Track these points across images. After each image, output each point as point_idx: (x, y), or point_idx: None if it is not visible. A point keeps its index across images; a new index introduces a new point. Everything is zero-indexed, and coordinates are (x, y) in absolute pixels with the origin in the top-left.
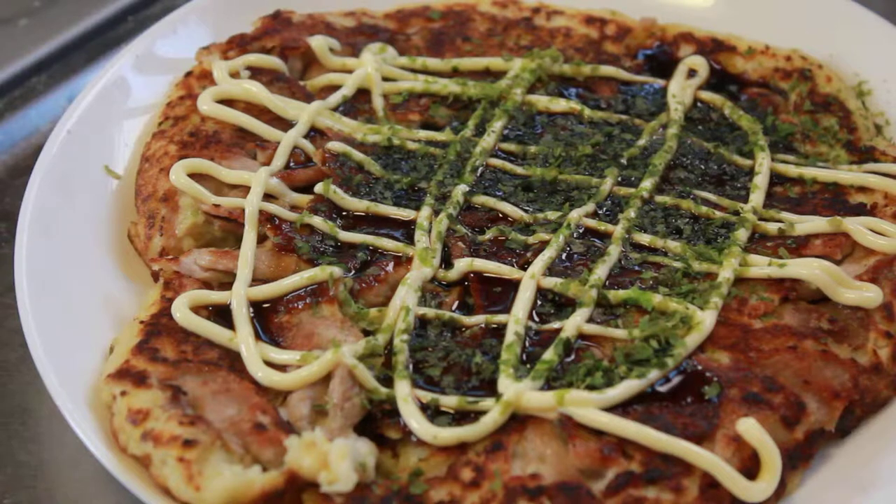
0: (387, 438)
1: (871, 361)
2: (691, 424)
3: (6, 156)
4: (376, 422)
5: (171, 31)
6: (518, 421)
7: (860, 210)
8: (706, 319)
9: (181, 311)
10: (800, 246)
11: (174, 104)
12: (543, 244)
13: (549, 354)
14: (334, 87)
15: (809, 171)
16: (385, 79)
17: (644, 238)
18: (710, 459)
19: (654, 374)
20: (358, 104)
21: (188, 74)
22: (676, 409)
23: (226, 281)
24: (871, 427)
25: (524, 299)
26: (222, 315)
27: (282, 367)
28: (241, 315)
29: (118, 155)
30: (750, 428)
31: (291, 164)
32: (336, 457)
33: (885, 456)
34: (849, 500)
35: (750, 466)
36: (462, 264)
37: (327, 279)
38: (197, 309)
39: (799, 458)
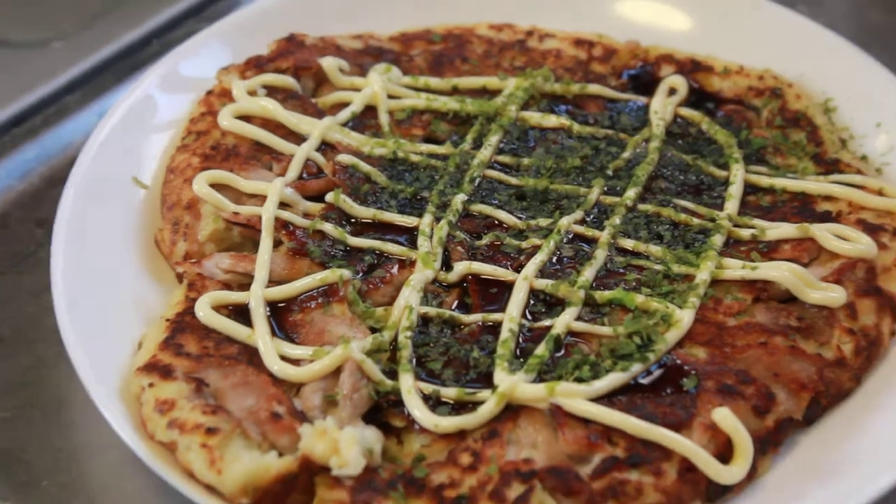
0: (392, 426)
1: (836, 356)
2: (671, 413)
3: (43, 167)
4: (382, 411)
5: (193, 53)
6: (512, 410)
7: (826, 217)
8: (684, 318)
9: (203, 310)
10: (770, 250)
11: (196, 120)
12: (535, 248)
13: (541, 350)
14: (344, 105)
15: (780, 182)
16: (390, 96)
17: (628, 243)
18: (687, 445)
19: (636, 367)
20: (365, 120)
21: (209, 93)
22: (657, 399)
23: (244, 282)
24: (836, 416)
25: (518, 299)
26: (241, 314)
27: (296, 362)
28: (259, 314)
29: (145, 166)
30: (724, 417)
31: (304, 175)
32: (346, 443)
33: (848, 442)
34: (815, 483)
35: (724, 452)
36: (461, 267)
37: (337, 281)
38: (218, 308)
39: (769, 444)
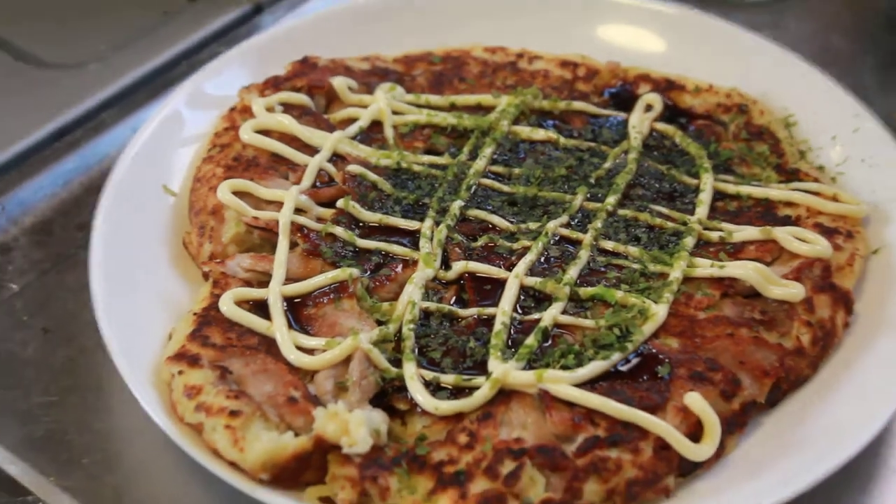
0: (396, 409)
1: (795, 346)
2: (647, 397)
3: (82, 177)
4: (388, 396)
5: (217, 73)
6: (504, 395)
7: (787, 221)
8: (659, 311)
9: (227, 305)
10: (737, 251)
11: (220, 134)
12: (526, 249)
13: (530, 340)
14: (353, 120)
15: (745, 189)
16: (395, 112)
17: (608, 244)
18: (662, 426)
19: (616, 356)
20: (372, 134)
21: (232, 109)
22: (635, 385)
23: (263, 280)
24: (794, 400)
25: (510, 295)
26: (261, 308)
27: (310, 351)
28: (277, 308)
29: (174, 175)
30: (695, 400)
31: (318, 183)
32: (355, 424)
33: (805, 423)
34: (776, 459)
35: (695, 432)
36: (458, 266)
37: (347, 278)
38: (240, 303)
39: (735, 424)
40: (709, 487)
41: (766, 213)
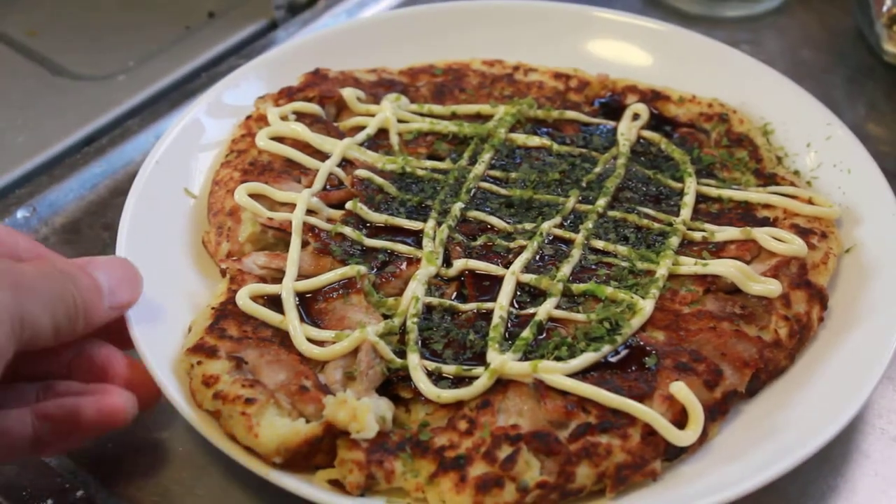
0: (401, 398)
1: (773, 338)
2: (635, 387)
3: (108, 180)
4: (393, 385)
5: (235, 85)
6: (502, 384)
7: (765, 222)
8: (647, 306)
9: (243, 300)
10: (718, 250)
11: (237, 140)
12: (522, 248)
13: (526, 333)
14: (361, 128)
15: (726, 193)
16: (400, 121)
17: (599, 244)
18: (649, 413)
19: (606, 348)
20: (379, 140)
21: (248, 118)
22: (624, 375)
23: (277, 277)
24: (773, 389)
25: (506, 291)
26: (275, 303)
27: (320, 343)
28: (290, 303)
29: (194, 179)
30: (680, 389)
31: (328, 186)
32: (363, 411)
33: (782, 411)
34: (756, 444)
35: (680, 419)
36: (459, 264)
37: (355, 275)
38: (255, 298)
39: (717, 412)
40: (693, 471)
41: (746, 214)
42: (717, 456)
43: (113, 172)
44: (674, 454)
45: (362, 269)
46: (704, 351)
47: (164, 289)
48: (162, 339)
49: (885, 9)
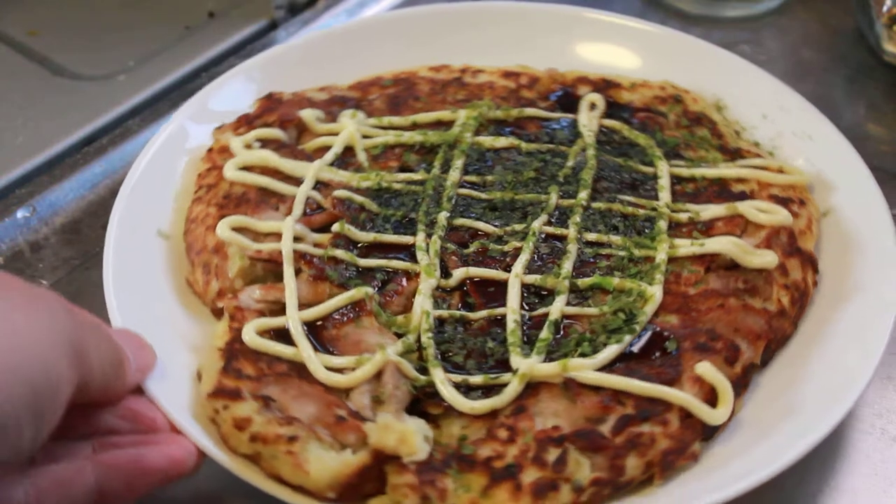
0: (430, 414)
1: (778, 308)
2: (663, 373)
3: (108, 180)
4: (421, 402)
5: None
6: (531, 387)
7: (742, 196)
8: (656, 292)
9: (250, 336)
10: (708, 228)
11: (204, 175)
12: (517, 250)
13: (545, 334)
14: (326, 148)
15: (698, 171)
16: (364, 136)
17: (592, 236)
18: (684, 397)
19: (627, 338)
20: (347, 159)
21: (210, 150)
22: (649, 363)
23: (275, 309)
24: (782, 358)
25: (514, 294)
26: (282, 336)
27: (339, 370)
28: (299, 333)
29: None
30: (706, 369)
31: (307, 211)
32: (410, 434)
33: (799, 382)
34: (780, 416)
35: (710, 398)
36: (459, 273)
37: (364, 297)
38: (261, 333)
39: (740, 387)
40: (727, 451)
41: (722, 190)
42: (748, 431)
43: (113, 172)
44: (710, 433)
45: (370, 290)
46: (718, 329)
47: (156, 334)
48: (170, 388)
49: (885, 9)
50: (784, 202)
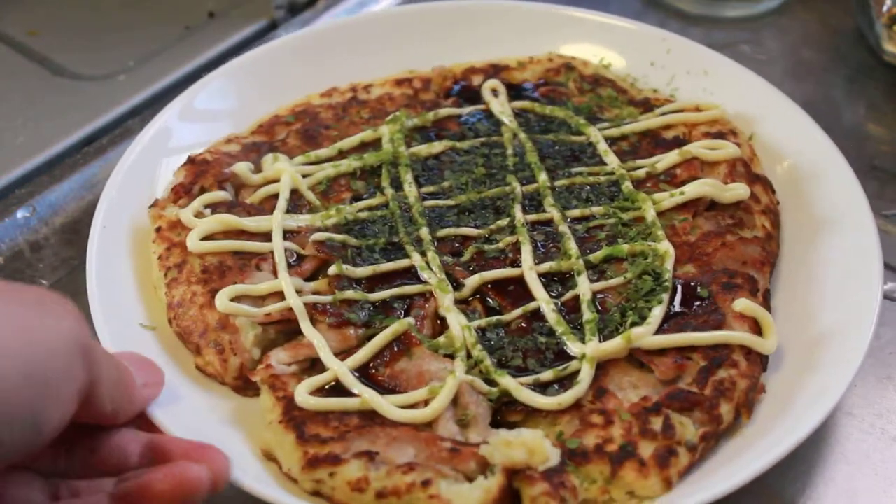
0: (511, 423)
1: (764, 233)
2: (709, 320)
3: (108, 180)
4: (501, 413)
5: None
6: (600, 368)
7: (679, 141)
8: (668, 247)
9: (305, 398)
10: (671, 178)
11: (165, 257)
12: (512, 245)
13: (588, 315)
14: (271, 197)
15: (627, 128)
16: (303, 176)
17: (575, 213)
18: (741, 336)
19: (664, 296)
20: (296, 202)
21: (158, 230)
22: (692, 314)
23: (306, 367)
24: (779, 280)
25: (537, 286)
26: (335, 390)
27: (412, 406)
28: (354, 382)
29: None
30: (746, 305)
31: (290, 262)
32: (538, 443)
33: (811, 309)
34: (818, 349)
35: (756, 331)
36: (472, 281)
37: (408, 328)
38: (314, 393)
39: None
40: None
41: (657, 140)
42: (790, 362)
43: (112, 172)
44: (766, 364)
45: (410, 320)
46: (730, 266)
47: (197, 419)
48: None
49: (885, 9)
50: (720, 136)
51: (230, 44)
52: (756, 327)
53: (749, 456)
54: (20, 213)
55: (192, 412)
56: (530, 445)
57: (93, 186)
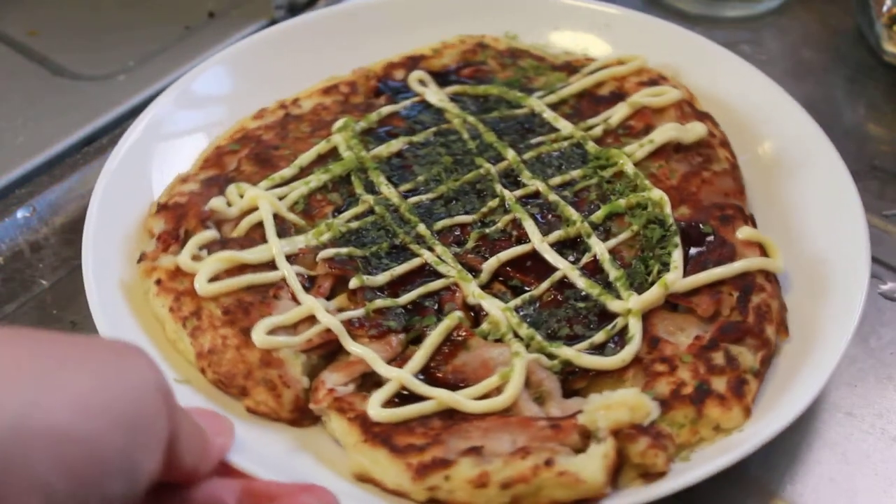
0: (577, 390)
1: (731, 163)
2: (723, 253)
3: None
4: (567, 382)
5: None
6: (644, 320)
7: (617, 95)
8: (661, 194)
9: (378, 412)
10: (629, 130)
11: (175, 309)
12: (513, 222)
13: (614, 273)
14: (255, 226)
15: (563, 92)
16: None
17: (556, 180)
18: (759, 261)
19: (676, 240)
20: (282, 225)
21: (158, 283)
22: (708, 252)
23: (362, 383)
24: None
25: (554, 256)
26: (404, 398)
27: (485, 396)
28: (421, 386)
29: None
30: (748, 232)
31: (305, 285)
32: (638, 399)
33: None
34: (811, 268)
35: (765, 255)
36: (489, 265)
37: (460, 321)
38: (385, 405)
39: None
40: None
41: (595, 99)
42: (799, 286)
43: None
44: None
45: (459, 313)
46: (716, 200)
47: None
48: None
49: (885, 9)
50: (653, 83)
51: (230, 44)
52: (762, 251)
53: (806, 372)
54: (20, 213)
55: (269, 453)
56: (631, 403)
57: (92, 187)
